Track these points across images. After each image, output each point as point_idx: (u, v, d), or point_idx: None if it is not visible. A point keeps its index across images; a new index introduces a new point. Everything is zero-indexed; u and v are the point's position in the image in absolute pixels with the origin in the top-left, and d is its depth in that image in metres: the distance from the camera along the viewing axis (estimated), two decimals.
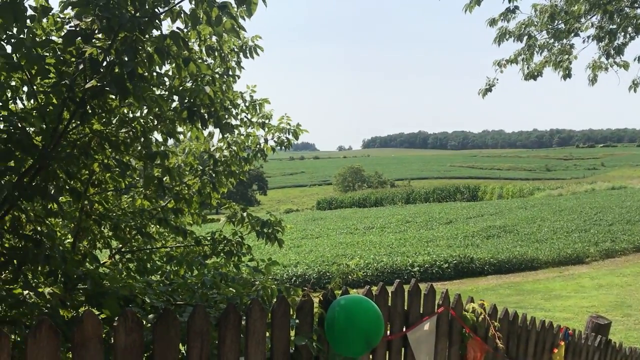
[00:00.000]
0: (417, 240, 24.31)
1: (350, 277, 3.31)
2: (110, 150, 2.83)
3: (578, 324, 10.10)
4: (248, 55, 3.75)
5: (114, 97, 2.53)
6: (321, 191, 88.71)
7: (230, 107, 3.69)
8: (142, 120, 2.98)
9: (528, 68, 5.34)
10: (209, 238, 3.88)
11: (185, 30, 2.70)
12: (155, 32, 2.37)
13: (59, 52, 2.30)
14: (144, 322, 2.02)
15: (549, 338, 3.89)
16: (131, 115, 3.09)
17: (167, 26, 2.93)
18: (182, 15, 2.47)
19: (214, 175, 3.75)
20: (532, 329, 3.66)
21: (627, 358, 5.16)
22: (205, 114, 2.72)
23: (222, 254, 3.83)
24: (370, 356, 2.56)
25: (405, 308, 2.75)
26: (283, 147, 4.21)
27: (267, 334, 2.09)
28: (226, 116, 3.37)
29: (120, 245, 3.60)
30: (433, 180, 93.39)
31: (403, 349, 2.73)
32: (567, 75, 5.13)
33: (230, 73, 3.79)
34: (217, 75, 3.30)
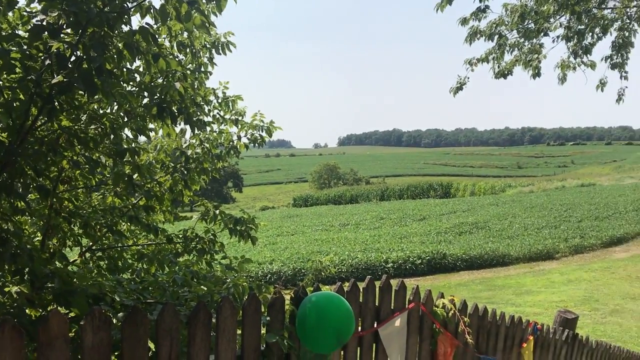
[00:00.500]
0: (391, 236, 24.49)
1: (323, 273, 3.32)
2: (79, 147, 2.79)
3: (548, 318, 10.29)
4: (220, 51, 3.73)
5: (82, 93, 2.49)
6: (297, 188, 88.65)
7: (202, 103, 3.66)
8: (111, 117, 2.94)
9: (499, 67, 5.42)
10: (181, 236, 3.85)
11: (155, 26, 2.67)
12: (125, 28, 2.34)
13: (25, 47, 2.25)
14: (114, 320, 2.00)
15: (518, 333, 3.96)
16: (101, 112, 3.05)
17: (136, 22, 2.90)
18: (152, 10, 2.44)
19: (185, 172, 3.72)
20: (501, 324, 3.72)
21: (592, 351, 5.28)
22: (176, 111, 2.69)
23: (194, 252, 3.80)
24: (342, 352, 2.57)
25: (377, 304, 2.77)
26: (257, 144, 4.19)
27: (239, 332, 2.09)
28: (198, 113, 3.35)
29: (91, 243, 3.55)
30: (407, 178, 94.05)
31: (374, 344, 2.76)
32: (537, 74, 5.22)
33: (203, 69, 3.76)
34: (188, 72, 3.27)
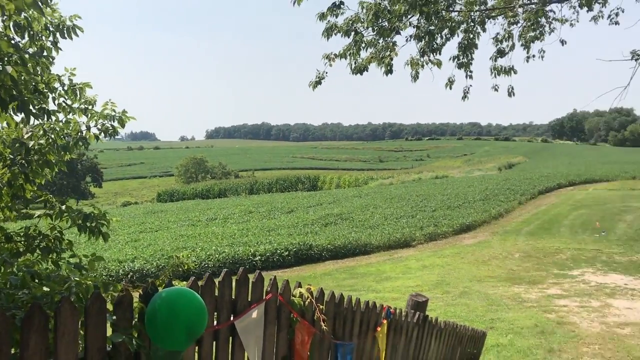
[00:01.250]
0: (259, 229, 24.57)
1: (181, 269, 3.24)
2: None
3: (404, 302, 10.92)
4: (66, 35, 3.47)
5: None
6: (162, 183, 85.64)
7: (45, 90, 3.39)
8: None
9: (355, 63, 5.63)
10: (22, 234, 3.54)
11: None
12: None
13: None
14: None
15: (373, 317, 4.15)
16: None
17: None
18: None
19: (26, 165, 3.42)
20: (357, 310, 3.88)
21: (441, 331, 5.71)
22: (8, 97, 2.46)
23: (38, 251, 3.51)
24: (197, 348, 2.53)
25: (234, 297, 2.75)
26: (109, 135, 3.97)
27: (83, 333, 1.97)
28: (39, 100, 3.09)
29: None
30: (276, 171, 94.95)
31: (231, 338, 2.74)
32: (389, 71, 5.49)
33: (46, 54, 3.48)
34: (27, 56, 3.00)
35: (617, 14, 8.20)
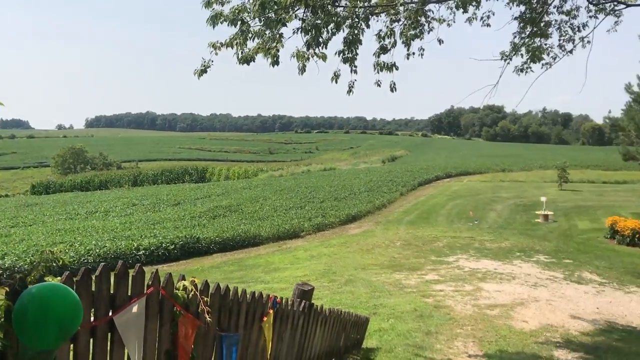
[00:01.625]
0: (143, 223, 23.72)
1: (55, 264, 3.06)
2: None
3: (292, 292, 11.09)
4: None
5: None
6: (37, 174, 79.63)
7: None
8: None
9: (242, 53, 5.58)
10: None
11: None
12: None
13: None
14: None
15: (259, 308, 4.17)
16: None
17: None
18: None
19: None
20: (243, 301, 3.88)
21: (326, 318, 5.86)
22: None
23: None
24: (72, 345, 2.40)
25: (112, 292, 2.65)
26: None
27: None
28: None
29: None
30: (162, 162, 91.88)
31: (110, 334, 2.63)
32: (276, 62, 5.51)
33: None
34: None
35: (488, 17, 8.84)
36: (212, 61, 5.45)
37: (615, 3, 7.69)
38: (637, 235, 18.25)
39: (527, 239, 19.35)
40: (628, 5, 7.24)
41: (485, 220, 24.07)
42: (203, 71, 5.47)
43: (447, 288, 12.03)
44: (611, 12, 8.24)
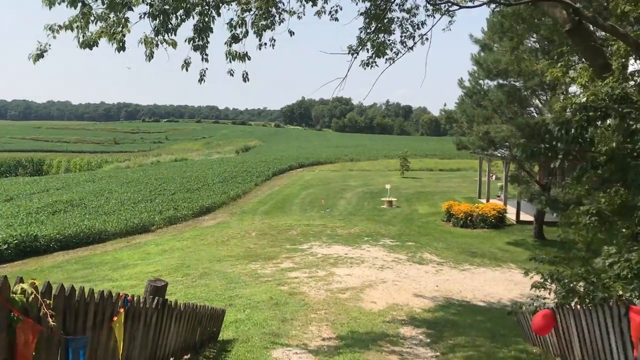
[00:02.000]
0: None
1: None
2: None
3: (143, 289, 10.65)
4: None
5: None
6: None
7: None
8: None
9: (84, 36, 5.20)
10: None
11: None
12: None
13: None
14: None
15: (108, 307, 3.95)
16: None
17: None
18: None
19: None
20: (90, 302, 3.65)
21: (181, 313, 5.72)
22: None
23: None
24: None
25: None
26: None
27: None
28: None
29: None
30: None
31: None
32: (121, 47, 5.21)
33: None
34: None
35: (337, 11, 9.18)
36: (50, 45, 5.00)
37: (450, 4, 8.38)
38: (469, 218, 20.23)
39: (374, 224, 20.52)
40: (460, 7, 7.93)
41: (336, 208, 25.07)
42: (40, 56, 5.00)
43: (301, 275, 12.36)
44: (446, 12, 8.99)
